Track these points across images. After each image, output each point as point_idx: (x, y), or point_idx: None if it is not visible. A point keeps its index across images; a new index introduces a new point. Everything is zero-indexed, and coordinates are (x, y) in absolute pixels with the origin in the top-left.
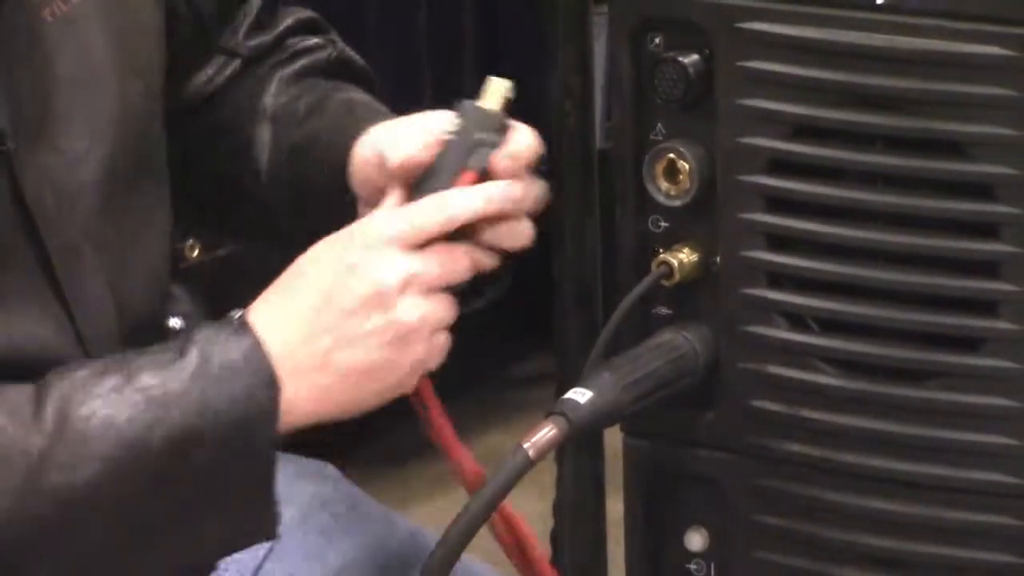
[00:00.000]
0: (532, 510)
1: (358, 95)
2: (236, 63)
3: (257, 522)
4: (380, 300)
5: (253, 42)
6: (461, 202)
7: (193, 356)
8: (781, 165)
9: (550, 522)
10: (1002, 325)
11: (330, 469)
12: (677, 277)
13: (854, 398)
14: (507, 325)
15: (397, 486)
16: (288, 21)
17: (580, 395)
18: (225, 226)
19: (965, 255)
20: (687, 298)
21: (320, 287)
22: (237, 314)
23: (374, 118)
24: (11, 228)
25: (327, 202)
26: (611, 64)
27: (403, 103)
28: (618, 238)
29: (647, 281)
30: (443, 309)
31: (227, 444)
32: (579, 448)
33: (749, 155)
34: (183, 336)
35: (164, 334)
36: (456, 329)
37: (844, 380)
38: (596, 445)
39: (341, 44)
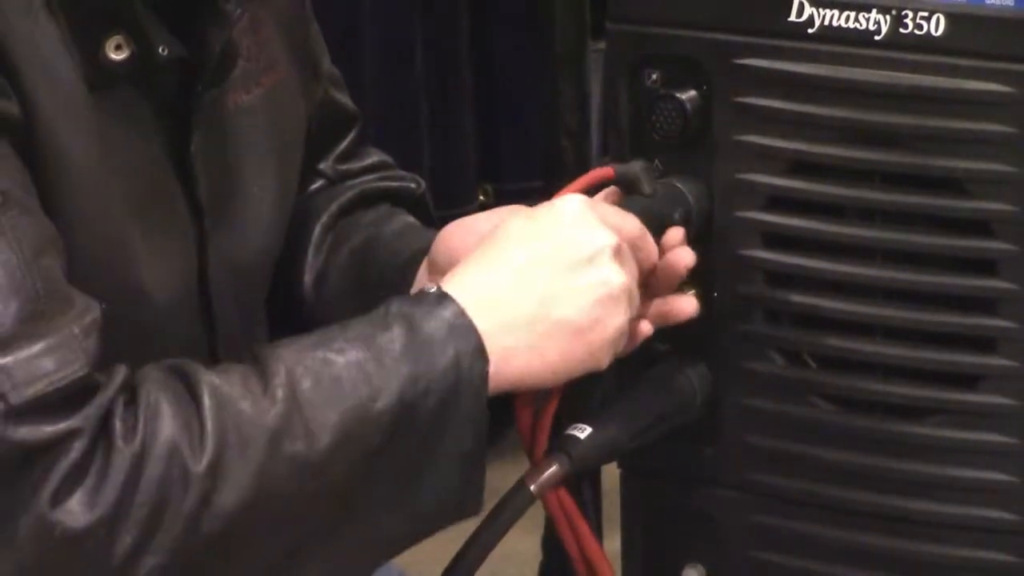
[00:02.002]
0: (526, 547)
1: (418, 230)
2: (321, 182)
3: (466, 493)
4: (594, 258)
5: (342, 168)
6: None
7: (397, 330)
8: (779, 201)
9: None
10: (1000, 362)
11: None
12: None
13: (851, 434)
14: None
15: None
16: (370, 160)
17: (580, 431)
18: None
19: (963, 291)
20: (685, 334)
21: (526, 249)
22: (432, 288)
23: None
24: (188, 302)
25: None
26: (608, 100)
27: (402, 146)
28: None
29: None
30: (637, 296)
31: (439, 413)
32: (576, 484)
33: (747, 191)
34: (380, 311)
35: None
36: None
37: (841, 416)
38: (594, 480)
39: (424, 187)
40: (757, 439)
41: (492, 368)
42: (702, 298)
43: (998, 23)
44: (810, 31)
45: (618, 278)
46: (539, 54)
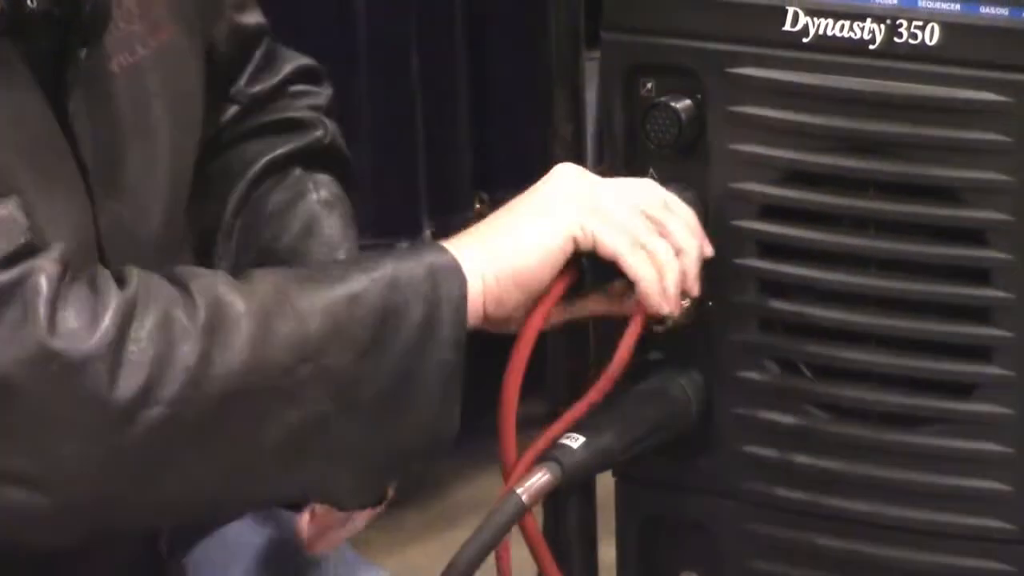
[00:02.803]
0: (519, 555)
1: (323, 224)
2: (235, 108)
3: (442, 409)
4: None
5: (254, 90)
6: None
7: (380, 259)
8: (773, 210)
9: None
10: (994, 370)
11: (285, 514)
12: (669, 323)
13: (846, 443)
14: (498, 370)
15: (392, 529)
16: (287, 69)
17: (573, 440)
18: None
19: (957, 300)
20: (679, 343)
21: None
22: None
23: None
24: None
25: None
26: (603, 109)
27: (397, 154)
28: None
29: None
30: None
31: (421, 324)
32: (570, 493)
33: (741, 200)
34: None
35: None
36: None
37: (836, 425)
38: (587, 490)
39: (333, 127)
40: (752, 448)
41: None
42: (696, 307)
43: (992, 32)
44: (805, 40)
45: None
46: (534, 63)
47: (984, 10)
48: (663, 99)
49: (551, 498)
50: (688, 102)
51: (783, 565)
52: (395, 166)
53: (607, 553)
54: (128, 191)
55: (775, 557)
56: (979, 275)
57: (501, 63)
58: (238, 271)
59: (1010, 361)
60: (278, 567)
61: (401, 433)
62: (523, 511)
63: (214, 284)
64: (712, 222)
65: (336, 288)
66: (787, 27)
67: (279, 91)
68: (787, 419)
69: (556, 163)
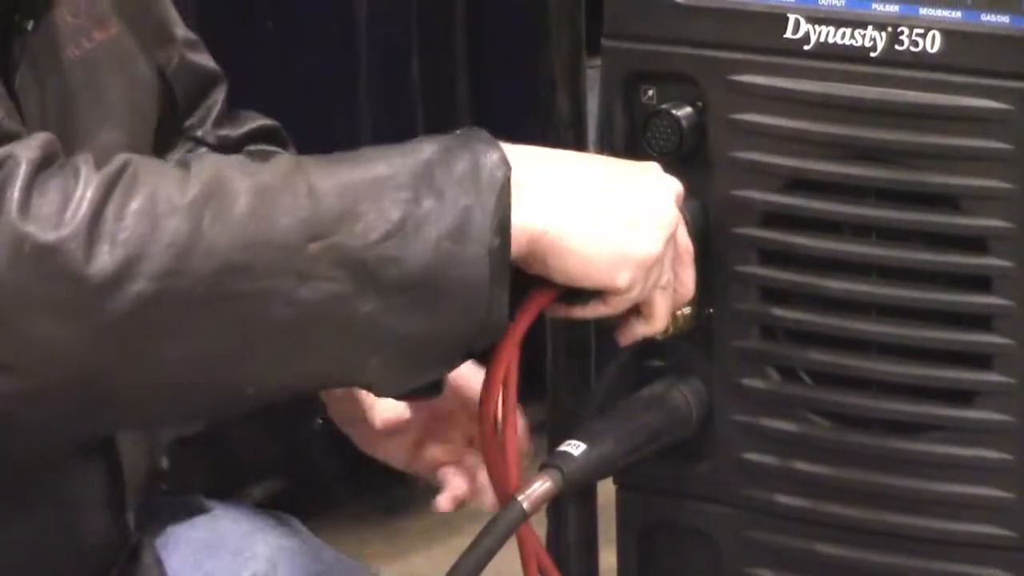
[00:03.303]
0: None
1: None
2: (202, 151)
3: (493, 295)
4: (656, 207)
5: (221, 133)
6: None
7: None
8: (774, 217)
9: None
10: (995, 378)
11: (293, 522)
12: (670, 329)
13: (847, 450)
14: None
15: (393, 536)
16: (252, 125)
17: (574, 447)
18: None
19: (958, 308)
20: (680, 350)
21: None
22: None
23: None
24: None
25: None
26: (604, 116)
27: None
28: None
29: None
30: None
31: (462, 184)
32: (571, 500)
33: (742, 207)
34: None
35: None
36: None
37: (837, 432)
38: (588, 496)
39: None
40: (752, 455)
41: (516, 191)
42: (697, 314)
43: (994, 40)
44: (806, 48)
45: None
46: (535, 70)
47: (985, 18)
48: (664, 106)
49: (552, 505)
50: (689, 109)
51: (784, 572)
52: None
53: (607, 559)
54: None
55: (776, 564)
56: (980, 283)
57: (502, 70)
58: None
59: (1011, 368)
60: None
61: (439, 319)
62: (524, 518)
63: (217, 162)
64: (713, 230)
65: (361, 169)
66: (788, 34)
67: (242, 143)
68: (788, 426)
69: None
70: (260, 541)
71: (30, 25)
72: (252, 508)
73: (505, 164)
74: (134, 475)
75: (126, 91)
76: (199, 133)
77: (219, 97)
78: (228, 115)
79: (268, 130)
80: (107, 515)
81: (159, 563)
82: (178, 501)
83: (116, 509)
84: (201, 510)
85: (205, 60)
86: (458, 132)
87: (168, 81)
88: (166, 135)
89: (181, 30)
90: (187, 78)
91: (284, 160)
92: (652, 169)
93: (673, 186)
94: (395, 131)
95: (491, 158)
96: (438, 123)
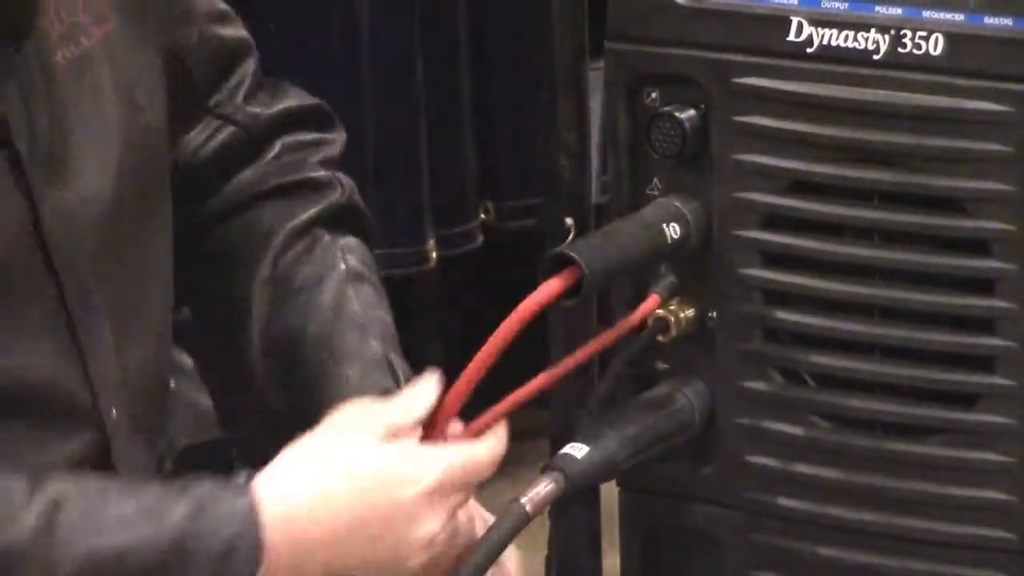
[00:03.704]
0: (528, 566)
1: (352, 301)
2: (230, 130)
3: None
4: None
5: (251, 110)
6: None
7: (186, 502)
8: (777, 220)
9: None
10: (998, 381)
11: None
12: (673, 332)
13: (850, 453)
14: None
15: None
16: (290, 103)
17: (577, 450)
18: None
19: (961, 311)
20: (683, 353)
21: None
22: (242, 478)
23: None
24: (27, 256)
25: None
26: (607, 119)
27: (400, 164)
28: (614, 292)
29: (643, 336)
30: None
31: None
32: (574, 502)
33: (745, 210)
34: (186, 481)
35: (166, 392)
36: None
37: (840, 435)
38: (592, 499)
39: (349, 183)
40: (755, 457)
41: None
42: (700, 317)
43: (996, 43)
44: (809, 50)
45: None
46: (538, 73)
47: (988, 20)
48: (667, 109)
49: (555, 507)
50: (692, 112)
51: (787, 575)
52: (399, 176)
53: (611, 562)
54: (73, 178)
55: (779, 567)
56: (983, 285)
57: (505, 73)
58: (265, 345)
59: (1013, 371)
60: None
61: None
62: (527, 520)
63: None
64: (716, 232)
65: (107, 535)
66: (791, 37)
67: (276, 123)
68: (791, 429)
69: (562, 173)
70: None
71: (14, 47)
72: None
73: (258, 557)
74: None
75: (124, 86)
76: (227, 110)
77: (248, 70)
78: (266, 88)
79: (308, 111)
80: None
81: None
82: None
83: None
84: None
85: (232, 31)
86: (206, 489)
87: (183, 61)
88: (188, 114)
89: (206, 4)
90: (209, 53)
91: (39, 510)
92: (412, 501)
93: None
94: (398, 135)
95: (244, 541)
96: (441, 126)
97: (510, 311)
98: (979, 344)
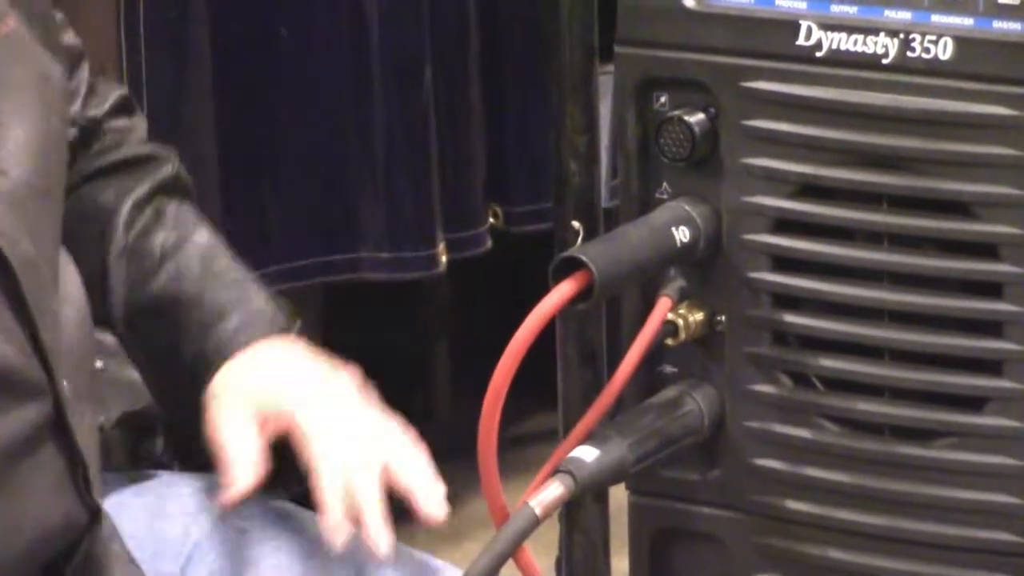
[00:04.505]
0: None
1: (203, 255)
2: (73, 132)
3: None
4: None
5: (89, 115)
6: None
7: None
8: (786, 224)
9: None
10: (1006, 384)
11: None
12: (682, 336)
13: (858, 456)
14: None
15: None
16: (112, 99)
17: (586, 453)
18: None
19: (969, 314)
20: (692, 356)
21: None
22: None
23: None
24: None
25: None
26: (616, 123)
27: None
28: (623, 295)
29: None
30: None
31: None
32: (584, 505)
33: (754, 214)
34: None
35: (94, 368)
36: (461, 388)
37: (848, 438)
38: (601, 502)
39: (174, 154)
40: (764, 461)
41: None
42: (709, 321)
43: (1006, 47)
44: (818, 54)
45: None
46: (548, 75)
47: (997, 25)
48: (676, 113)
49: (565, 510)
50: (702, 116)
51: None
52: (409, 180)
53: (619, 565)
54: (3, 171)
55: (787, 570)
56: (991, 289)
57: (515, 77)
58: (130, 318)
59: (1022, 375)
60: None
61: None
62: (536, 523)
63: None
64: (725, 236)
65: None
66: (801, 41)
67: (106, 121)
68: (799, 432)
69: (571, 177)
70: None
71: None
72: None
73: None
74: (91, 453)
75: (36, 85)
76: (72, 116)
77: (84, 75)
78: (93, 89)
79: (125, 102)
80: (69, 497)
81: (115, 530)
82: (124, 474)
83: (79, 490)
84: (148, 478)
85: (71, 39)
86: None
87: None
88: None
89: (57, 12)
90: (63, 62)
91: None
92: None
93: None
94: (407, 139)
95: None
96: (451, 130)
97: (518, 314)
98: (987, 348)
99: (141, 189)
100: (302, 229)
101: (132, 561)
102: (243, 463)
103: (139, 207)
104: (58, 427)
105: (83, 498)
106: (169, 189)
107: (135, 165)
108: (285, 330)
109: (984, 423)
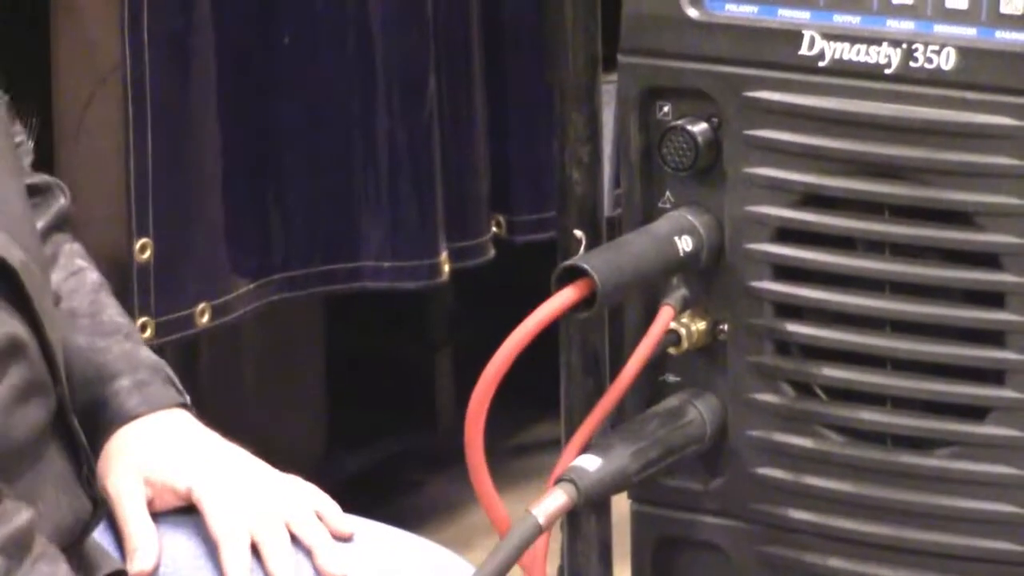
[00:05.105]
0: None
1: (110, 308)
2: None
3: None
4: None
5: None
6: None
7: None
8: (789, 233)
9: None
10: (1008, 394)
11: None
12: (685, 345)
13: (860, 466)
14: (513, 391)
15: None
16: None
17: (589, 462)
18: None
19: (971, 324)
20: (694, 365)
21: None
22: None
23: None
24: None
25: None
26: (620, 132)
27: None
28: (625, 304)
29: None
30: None
31: None
32: (586, 514)
33: (757, 223)
34: None
35: None
36: (464, 395)
37: (850, 448)
38: (603, 511)
39: (62, 185)
40: (766, 470)
41: None
42: (711, 330)
43: (1008, 57)
44: (821, 64)
45: None
46: (552, 85)
47: (1000, 35)
48: (679, 122)
49: (567, 518)
50: (704, 126)
51: None
52: (412, 189)
53: (621, 574)
54: None
55: None
56: (993, 299)
57: (518, 86)
58: None
59: None
60: None
61: None
62: (539, 532)
63: None
64: (728, 245)
65: None
66: (803, 51)
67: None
68: (801, 442)
69: (574, 186)
70: None
71: None
72: None
73: None
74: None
75: (8, 147)
76: None
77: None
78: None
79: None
80: (76, 491)
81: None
82: None
83: (83, 484)
84: None
85: None
86: None
87: None
88: None
89: None
90: None
91: None
92: None
93: None
94: (410, 148)
95: None
96: (454, 139)
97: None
98: (989, 357)
99: (39, 223)
100: (304, 238)
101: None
102: (145, 539)
103: (43, 236)
104: (62, 422)
105: (88, 491)
106: (62, 225)
107: (31, 195)
108: (178, 402)
109: (986, 432)
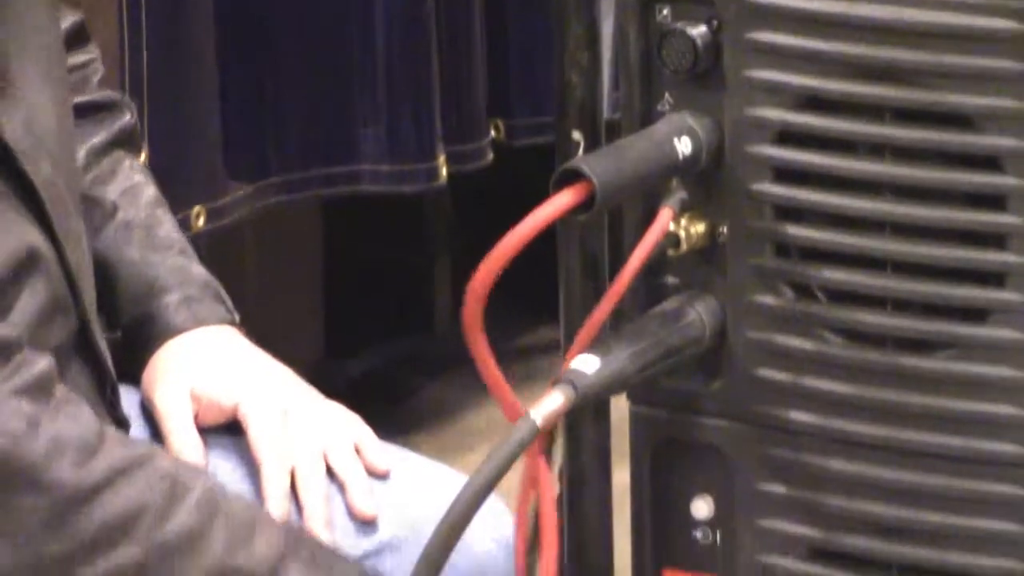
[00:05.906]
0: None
1: (166, 223)
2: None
3: None
4: None
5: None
6: None
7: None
8: (789, 136)
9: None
10: (1009, 296)
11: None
12: (684, 247)
13: (860, 368)
14: (511, 295)
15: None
16: (66, 26)
17: (587, 364)
18: None
19: (972, 226)
20: (694, 268)
21: None
22: None
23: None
24: None
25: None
26: (618, 36)
27: (412, 84)
28: (624, 207)
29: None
30: None
31: None
32: (584, 416)
33: (757, 126)
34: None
35: None
36: (462, 300)
37: (850, 350)
38: (602, 413)
39: (133, 105)
40: (766, 372)
41: None
42: (711, 232)
43: None
44: None
45: None
46: None
47: None
48: (678, 25)
49: (565, 421)
50: (704, 28)
51: (796, 489)
52: (409, 92)
53: (620, 476)
54: (21, 90)
55: (788, 480)
56: (994, 201)
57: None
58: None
59: None
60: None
61: None
62: (536, 433)
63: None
64: (727, 148)
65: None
66: None
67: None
68: (801, 343)
69: (573, 89)
70: None
71: None
72: None
73: None
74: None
75: (48, 57)
76: None
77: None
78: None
79: (77, 28)
80: (99, 411)
81: None
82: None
83: (106, 404)
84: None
85: None
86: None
87: None
88: None
89: None
90: None
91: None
92: None
93: None
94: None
95: None
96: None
97: None
98: (990, 260)
99: (99, 138)
100: (301, 142)
101: None
102: (191, 454)
103: (96, 155)
104: (85, 343)
105: (112, 411)
106: (125, 142)
107: (95, 111)
108: (227, 319)
109: (986, 334)
